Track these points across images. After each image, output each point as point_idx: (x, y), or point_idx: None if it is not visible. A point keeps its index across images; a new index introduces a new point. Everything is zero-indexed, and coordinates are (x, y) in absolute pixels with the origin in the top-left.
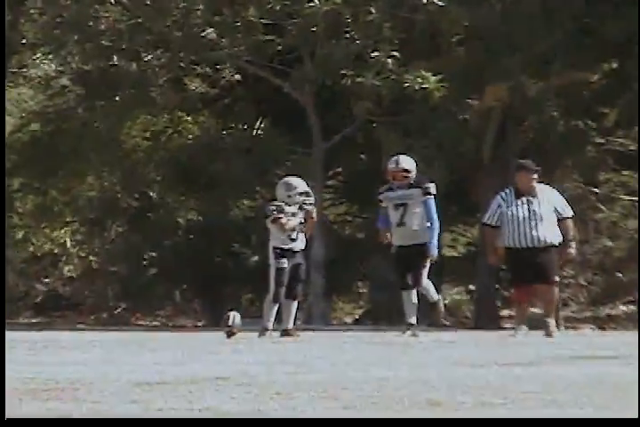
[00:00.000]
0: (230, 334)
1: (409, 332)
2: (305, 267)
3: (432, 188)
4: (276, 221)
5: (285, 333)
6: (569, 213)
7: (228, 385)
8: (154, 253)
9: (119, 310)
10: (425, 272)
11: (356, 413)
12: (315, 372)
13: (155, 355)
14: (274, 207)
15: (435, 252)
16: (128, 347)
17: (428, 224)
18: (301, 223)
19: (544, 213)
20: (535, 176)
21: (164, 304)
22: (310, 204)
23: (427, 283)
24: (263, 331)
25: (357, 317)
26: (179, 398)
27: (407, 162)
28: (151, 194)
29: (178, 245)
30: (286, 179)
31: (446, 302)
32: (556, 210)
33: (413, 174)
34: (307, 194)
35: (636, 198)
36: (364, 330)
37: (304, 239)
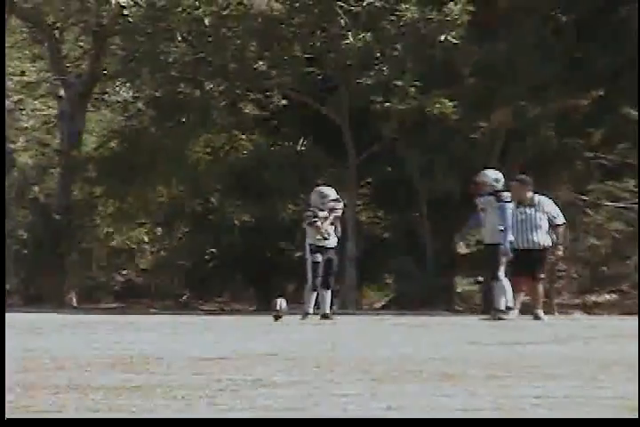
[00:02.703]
0: (277, 318)
1: (505, 314)
2: (337, 261)
3: (505, 196)
4: (312, 224)
5: (323, 316)
6: (561, 220)
7: (276, 360)
8: (214, 250)
9: (184, 297)
10: (495, 268)
11: (381, 384)
12: (348, 349)
13: (215, 335)
14: (310, 213)
15: (505, 250)
16: (192, 328)
17: (501, 227)
18: (332, 224)
19: (539, 220)
20: (529, 188)
21: (222, 292)
22: (339, 208)
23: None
24: (305, 315)
25: (384, 303)
26: (235, 370)
27: (480, 176)
28: (212, 200)
29: (234, 242)
30: (320, 188)
31: (459, 291)
32: (549, 217)
33: (487, 186)
34: (336, 200)
35: (619, 204)
36: (390, 314)
37: (335, 238)
